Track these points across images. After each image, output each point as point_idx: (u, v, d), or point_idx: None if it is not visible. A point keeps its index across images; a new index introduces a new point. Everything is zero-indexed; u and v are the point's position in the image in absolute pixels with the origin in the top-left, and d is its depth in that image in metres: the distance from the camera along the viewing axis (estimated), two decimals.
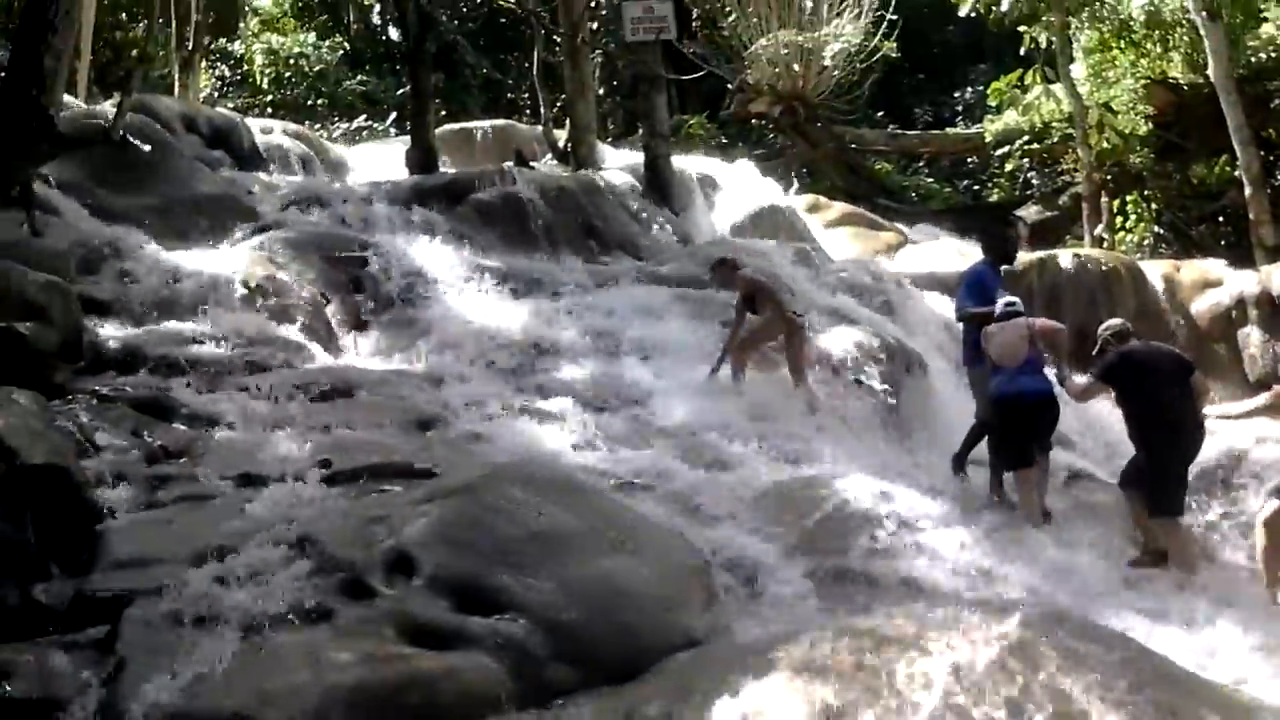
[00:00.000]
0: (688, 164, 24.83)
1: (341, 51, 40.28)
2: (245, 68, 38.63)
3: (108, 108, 19.28)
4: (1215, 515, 13.09)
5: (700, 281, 15.85)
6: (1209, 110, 24.22)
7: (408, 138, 23.11)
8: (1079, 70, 27.29)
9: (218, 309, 13.62)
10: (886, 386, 14.38)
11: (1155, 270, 21.54)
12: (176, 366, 11.96)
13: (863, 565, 9.23)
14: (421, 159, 21.53)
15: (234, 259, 14.92)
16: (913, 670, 6.04)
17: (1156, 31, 26.67)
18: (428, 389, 12.62)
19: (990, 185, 32.39)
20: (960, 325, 12.87)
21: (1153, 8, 26.04)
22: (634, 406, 12.87)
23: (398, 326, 14.66)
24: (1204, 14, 23.13)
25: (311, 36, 39.89)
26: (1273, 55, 25.55)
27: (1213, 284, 21.14)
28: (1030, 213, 28.46)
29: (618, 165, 23.43)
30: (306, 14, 43.34)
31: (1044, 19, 27.34)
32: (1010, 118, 29.47)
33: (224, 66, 39.37)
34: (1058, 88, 27.60)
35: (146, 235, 15.31)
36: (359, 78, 39.06)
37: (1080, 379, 11.60)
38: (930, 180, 33.69)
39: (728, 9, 31.11)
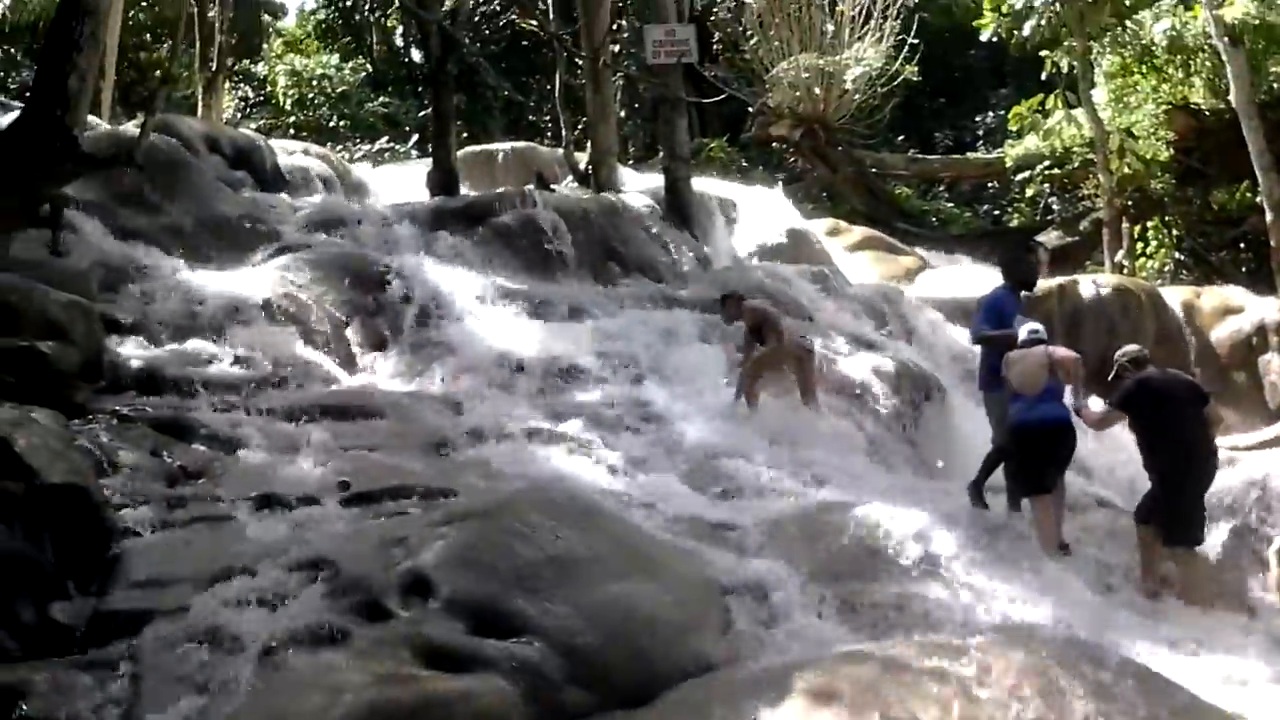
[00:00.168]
0: (708, 187, 24.82)
1: (364, 73, 40.43)
2: (268, 89, 38.78)
3: (131, 128, 19.37)
4: (1234, 545, 13.02)
5: None
6: (1230, 136, 24.12)
7: (429, 159, 23.14)
8: (1100, 95, 27.24)
9: (238, 329, 13.66)
10: (904, 411, 14.36)
11: (1175, 296, 21.48)
12: (197, 387, 11.99)
13: (880, 591, 9.18)
14: (442, 181, 21.55)
15: (255, 280, 14.96)
16: (929, 698, 6.03)
17: (1178, 57, 26.60)
18: (446, 411, 12.64)
19: (1011, 210, 32.37)
20: (977, 349, 12.85)
21: (1175, 33, 25.97)
22: (653, 430, 12.87)
23: (417, 348, 14.67)
24: (1226, 40, 23.07)
25: (334, 58, 40.02)
26: None
27: (1233, 311, 21.07)
28: (1051, 238, 28.43)
29: (638, 188, 23.41)
30: (330, 36, 43.53)
31: (1066, 44, 27.28)
32: (1031, 142, 29.41)
33: (247, 87, 39.54)
34: (1079, 113, 27.54)
35: (168, 255, 15.40)
36: (381, 99, 39.17)
37: (1097, 407, 11.57)
38: (950, 205, 33.68)
39: (749, 33, 31.15)
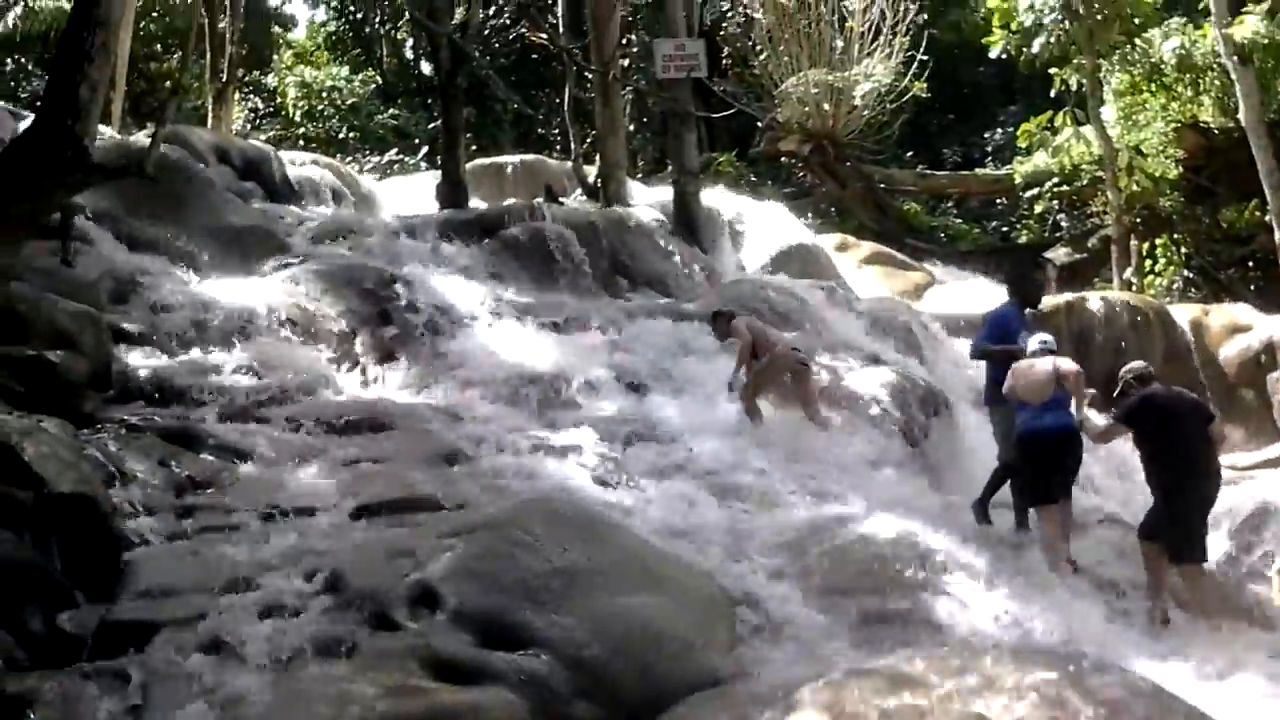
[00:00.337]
0: (716, 201, 24.84)
1: (374, 85, 40.51)
2: (278, 100, 38.86)
3: (141, 138, 19.42)
4: (1246, 565, 12.99)
5: None
6: (1239, 154, 24.16)
7: (438, 171, 23.16)
8: (1109, 113, 27.27)
9: (247, 340, 13.70)
10: (912, 426, 14.35)
11: (1184, 314, 21.49)
12: (205, 397, 12.01)
13: (888, 607, 9.17)
14: (451, 193, 21.57)
15: (264, 290, 14.99)
16: (937, 715, 6.01)
17: (1188, 75, 26.63)
18: (454, 423, 12.63)
19: (1019, 227, 32.38)
20: (983, 365, 12.84)
21: (1184, 51, 26.01)
22: (660, 443, 12.86)
23: (425, 360, 14.67)
24: (1235, 58, 23.10)
25: (344, 70, 40.14)
26: None
27: (1242, 329, 21.07)
28: (1059, 255, 28.46)
29: (647, 202, 23.46)
30: (339, 48, 43.64)
31: (1075, 61, 27.32)
32: (1040, 159, 29.44)
33: (257, 99, 39.62)
34: (1088, 130, 27.60)
35: (177, 266, 15.43)
36: (390, 111, 39.25)
37: (1100, 421, 11.56)
38: (959, 221, 33.72)
39: (759, 48, 31.20)
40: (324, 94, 37.81)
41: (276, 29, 43.47)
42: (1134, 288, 25.04)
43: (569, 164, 27.10)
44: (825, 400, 14.18)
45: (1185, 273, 26.27)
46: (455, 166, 22.00)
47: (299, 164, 25.10)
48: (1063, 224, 30.55)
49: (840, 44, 30.38)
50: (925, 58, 29.93)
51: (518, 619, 7.24)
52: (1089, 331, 19.79)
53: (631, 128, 33.93)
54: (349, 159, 32.52)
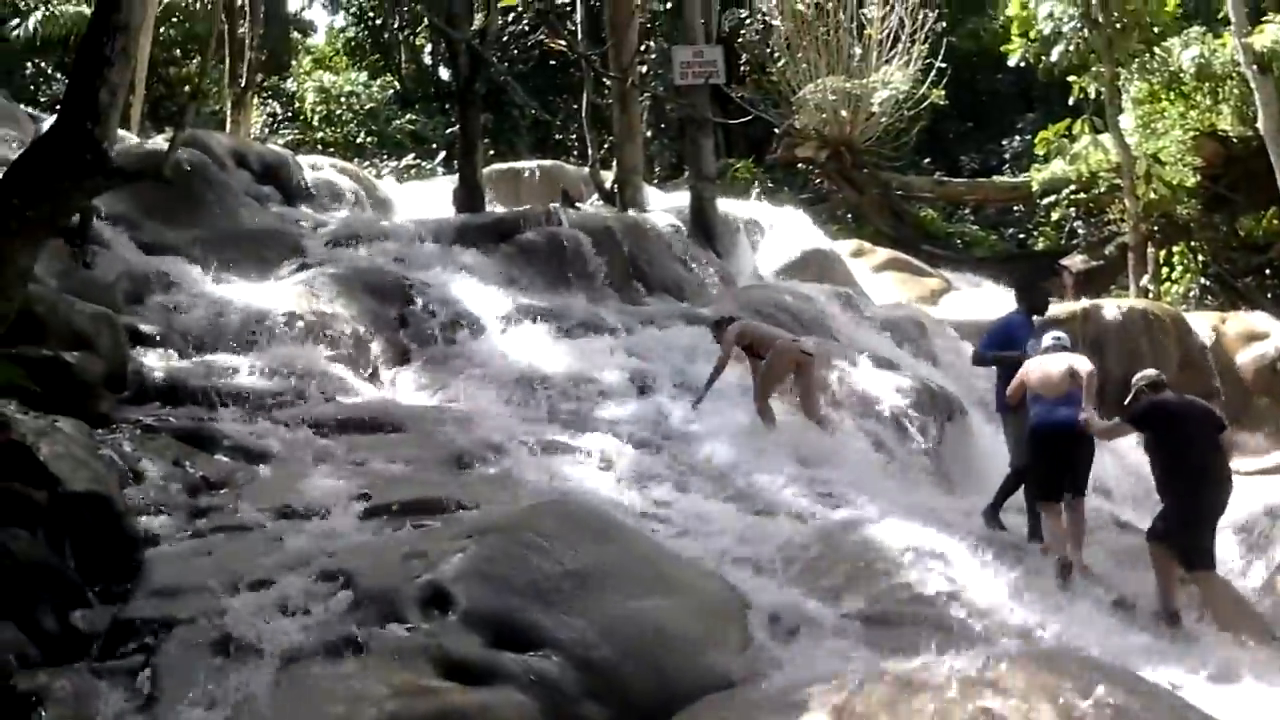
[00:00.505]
0: (733, 207, 24.86)
1: (392, 90, 40.59)
2: (297, 105, 38.93)
3: (160, 142, 19.48)
4: (1260, 572, 12.97)
5: None
6: (1258, 163, 24.12)
7: (455, 176, 23.19)
8: (1127, 121, 27.23)
9: (263, 342, 13.74)
10: (926, 431, 14.35)
11: (1201, 322, 21.46)
12: (220, 398, 12.06)
13: (899, 611, 9.15)
14: (468, 198, 21.60)
15: (280, 293, 15.03)
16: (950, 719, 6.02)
17: (1206, 84, 26.62)
18: (468, 425, 12.65)
19: (1036, 234, 32.37)
20: (994, 371, 12.83)
21: (1203, 60, 26.00)
22: (674, 446, 12.88)
23: (440, 363, 14.70)
24: (1254, 67, 23.08)
25: (363, 75, 40.19)
26: None
27: (1258, 336, 21.04)
28: (1076, 262, 28.40)
29: (663, 207, 23.47)
30: (358, 53, 43.74)
31: (1094, 69, 27.30)
32: (1057, 167, 29.38)
33: (276, 103, 39.69)
34: (1106, 138, 27.55)
35: (194, 268, 15.48)
36: (408, 116, 39.28)
37: (1102, 420, 11.55)
38: (975, 228, 33.70)
39: (777, 54, 31.21)
40: (342, 99, 37.88)
41: (296, 34, 43.61)
42: (1150, 295, 24.99)
43: (586, 169, 27.12)
44: (831, 401, 14.19)
45: (1202, 280, 26.23)
46: (473, 171, 22.03)
47: (317, 168, 25.11)
48: (1080, 231, 30.51)
49: (858, 51, 30.38)
50: (943, 65, 29.89)
51: (529, 620, 7.26)
52: (1105, 338, 19.77)
53: (649, 133, 33.98)
54: (367, 164, 32.57)
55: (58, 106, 11.93)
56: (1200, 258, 26.45)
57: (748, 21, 33.39)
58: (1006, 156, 37.61)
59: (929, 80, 29.99)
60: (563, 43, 31.13)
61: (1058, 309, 20.11)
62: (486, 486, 10.62)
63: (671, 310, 17.45)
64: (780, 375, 13.88)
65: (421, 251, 18.00)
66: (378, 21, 44.30)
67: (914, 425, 14.43)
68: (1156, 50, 27.01)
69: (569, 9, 31.61)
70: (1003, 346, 12.34)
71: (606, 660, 7.12)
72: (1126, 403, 11.30)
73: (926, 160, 36.02)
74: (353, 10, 45.10)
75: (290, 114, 39.32)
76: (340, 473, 10.58)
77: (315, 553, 8.42)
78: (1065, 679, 6.23)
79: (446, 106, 38.98)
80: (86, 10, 25.54)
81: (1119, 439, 12.67)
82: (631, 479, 11.70)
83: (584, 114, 26.81)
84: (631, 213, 21.74)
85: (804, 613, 8.87)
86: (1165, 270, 26.35)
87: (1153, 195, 26.48)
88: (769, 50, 31.72)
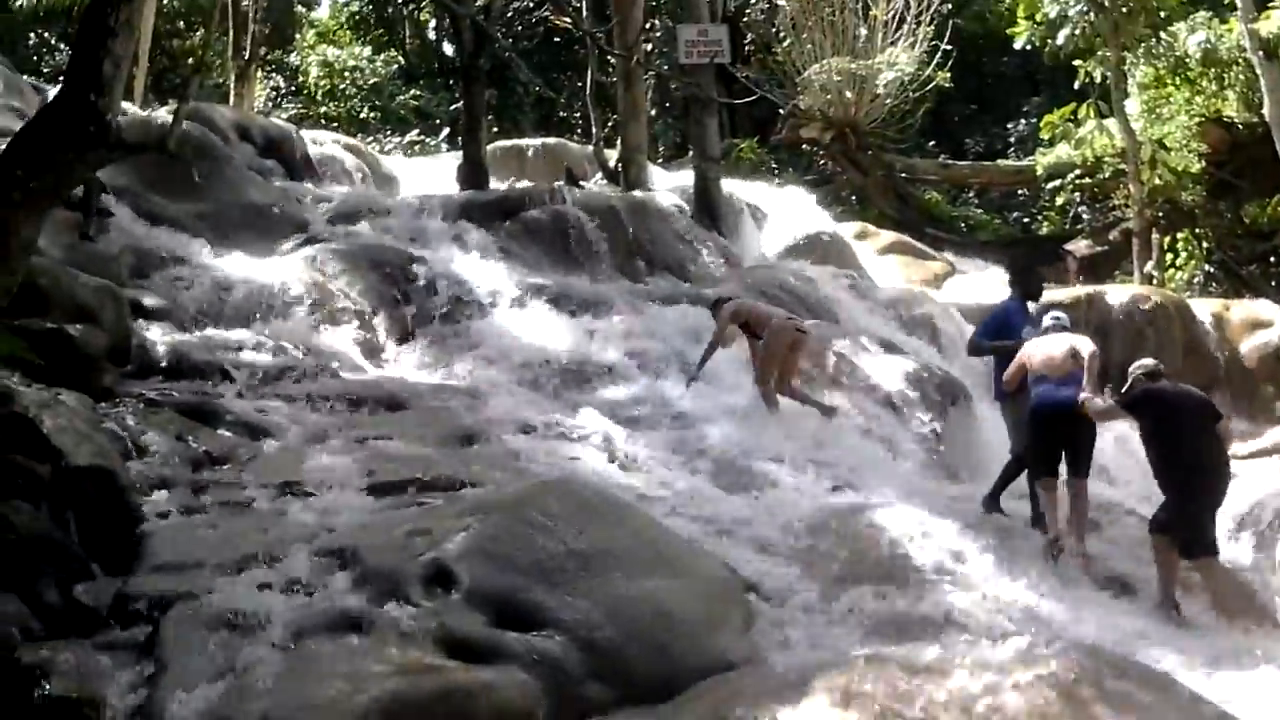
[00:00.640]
0: (737, 188, 24.83)
1: (396, 66, 40.56)
2: (300, 79, 38.92)
3: (163, 114, 19.45)
4: (1257, 556, 12.96)
5: None
6: (1263, 150, 24.02)
7: (459, 153, 23.19)
8: (1133, 106, 27.12)
9: (266, 317, 13.75)
10: (930, 415, 14.33)
11: (1204, 309, 21.41)
12: (223, 373, 12.08)
13: (902, 597, 9.15)
14: (472, 175, 21.60)
15: (283, 268, 15.03)
16: (951, 704, 6.01)
17: (1212, 70, 26.51)
18: (471, 403, 12.65)
19: (1040, 218, 32.29)
20: (991, 359, 12.81)
21: (1209, 45, 25.89)
22: (678, 428, 12.87)
23: (443, 340, 14.71)
24: (1260, 53, 22.98)
25: (367, 50, 40.17)
26: None
27: (1262, 324, 20.99)
28: (1080, 247, 28.35)
29: (667, 187, 23.46)
30: (362, 27, 43.67)
31: (1100, 53, 27.18)
32: (1062, 151, 29.28)
33: (279, 77, 39.68)
34: (1111, 122, 27.44)
35: (198, 242, 15.47)
36: (412, 92, 39.27)
37: (1103, 401, 11.51)
38: (980, 211, 33.63)
39: (782, 34, 31.14)
40: (346, 73, 37.88)
41: (299, 8, 43.48)
42: (1155, 281, 24.90)
43: (590, 148, 27.14)
44: (831, 383, 14.17)
45: (1206, 267, 26.14)
46: (476, 148, 22.04)
47: (320, 143, 25.16)
48: (1084, 216, 30.42)
49: (864, 32, 30.29)
50: (949, 47, 29.83)
51: (532, 599, 7.25)
52: (1108, 325, 19.69)
53: (653, 112, 33.93)
54: (370, 139, 32.59)
55: (61, 78, 11.90)
56: (1205, 244, 26.35)
57: (753, 1, 33.32)
58: (1011, 140, 37.52)
59: (934, 62, 29.92)
60: (568, 20, 31.04)
61: (1062, 294, 20.08)
62: (490, 465, 10.63)
63: (675, 290, 17.41)
64: (778, 354, 13.75)
65: (425, 228, 18.00)
66: None
67: (917, 409, 14.40)
68: (1163, 35, 26.87)
69: None
70: (998, 334, 12.33)
71: (610, 641, 7.12)
72: (1123, 390, 11.29)
73: (931, 143, 35.97)
74: None
75: (294, 88, 39.32)
76: (343, 449, 10.60)
77: (318, 529, 8.44)
78: (1070, 667, 6.22)
79: (451, 82, 39.01)
80: None
81: (1119, 424, 12.59)
82: (636, 459, 11.71)
83: (588, 92, 26.81)
84: (635, 192, 21.71)
85: (806, 596, 8.88)
86: (1170, 257, 26.26)
87: (1157, 181, 26.38)
88: (774, 30, 31.66)
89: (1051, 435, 11.23)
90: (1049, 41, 28.03)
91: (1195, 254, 26.27)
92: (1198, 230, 26.42)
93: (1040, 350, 11.41)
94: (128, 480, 8.79)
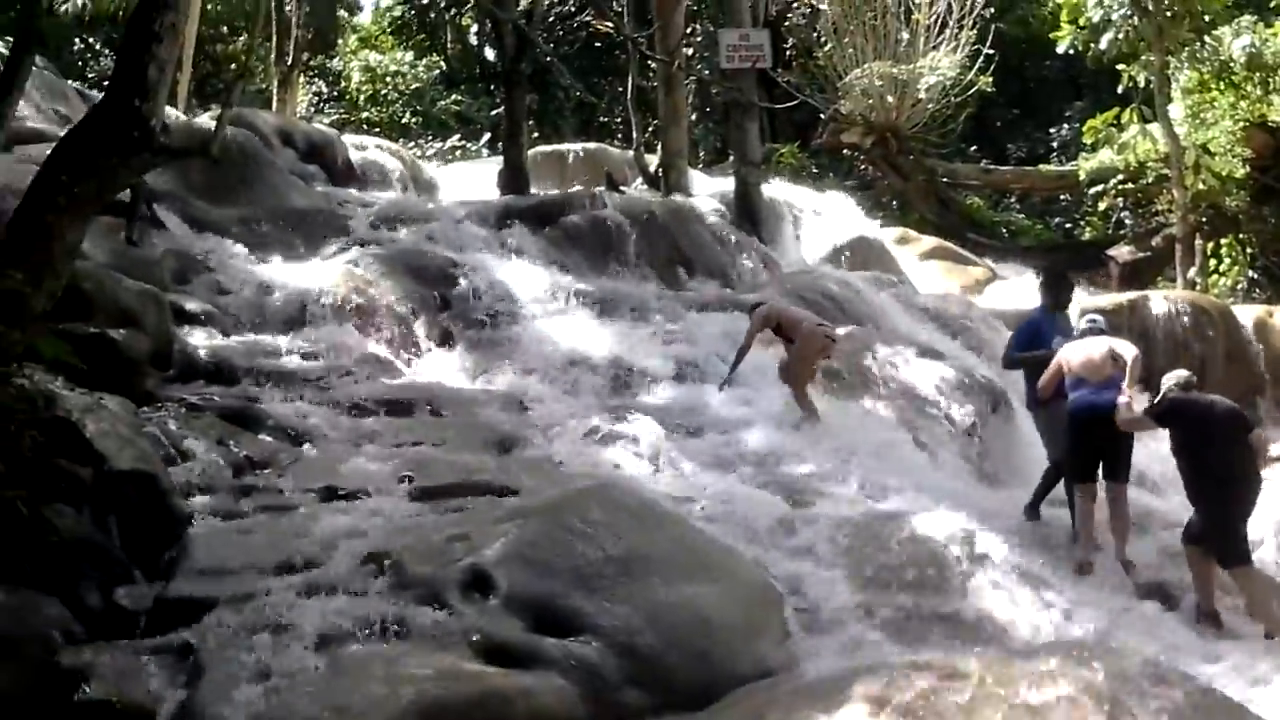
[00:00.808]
0: (778, 192, 24.80)
1: (438, 71, 40.60)
2: (342, 84, 39.04)
3: (207, 120, 19.56)
4: None
5: None
6: None
7: (500, 158, 23.22)
8: (1177, 111, 26.98)
9: (307, 322, 13.80)
10: (970, 422, 14.28)
11: (1248, 314, 21.28)
12: (265, 378, 12.11)
13: (941, 603, 9.13)
14: (513, 179, 21.63)
15: (325, 273, 15.07)
16: (988, 713, 5.98)
17: (1257, 74, 26.34)
18: (511, 409, 12.68)
19: (1083, 223, 32.14)
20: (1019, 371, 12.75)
21: (1254, 50, 25.73)
22: (717, 433, 12.85)
23: (484, 345, 14.73)
24: None
25: (409, 55, 40.24)
26: None
27: None
28: (1123, 253, 28.18)
29: (708, 192, 23.44)
30: (404, 33, 43.75)
31: (1143, 58, 27.04)
32: (1105, 156, 29.15)
33: (321, 82, 39.82)
34: (1155, 127, 27.32)
35: (240, 247, 15.54)
36: (454, 97, 39.33)
37: (1139, 408, 11.42)
38: (1022, 216, 33.49)
39: (823, 39, 31.08)
40: (388, 79, 37.96)
41: (342, 13, 43.61)
42: (1198, 287, 24.78)
43: (630, 153, 27.10)
44: (868, 387, 14.17)
45: (1250, 273, 25.97)
46: (517, 153, 22.06)
47: (362, 148, 25.23)
48: (1127, 221, 30.23)
49: (905, 36, 30.18)
50: (991, 52, 29.65)
51: (570, 605, 7.26)
52: (1151, 330, 19.63)
53: (694, 117, 33.93)
54: (412, 144, 32.65)
55: (106, 83, 11.99)
56: (1248, 250, 26.19)
57: (794, 5, 33.29)
58: (1054, 145, 37.37)
59: (976, 67, 29.77)
60: (609, 24, 31.17)
61: (1104, 300, 19.99)
62: (529, 470, 10.64)
63: (714, 296, 17.39)
64: (810, 360, 13.70)
65: (466, 233, 18.01)
66: (424, 1, 44.29)
67: (958, 415, 14.35)
68: (1207, 39, 26.72)
69: None
70: (1030, 344, 12.24)
71: (649, 647, 7.12)
72: (1155, 401, 11.21)
73: (973, 148, 35.79)
74: None
75: (336, 93, 39.45)
76: (383, 454, 10.62)
77: (358, 534, 8.45)
78: (1110, 675, 6.18)
79: (492, 87, 39.05)
80: None
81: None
82: (675, 465, 11.71)
83: (629, 97, 26.80)
84: (676, 197, 21.72)
85: (844, 602, 8.87)
86: (1213, 262, 26.12)
87: (1201, 186, 26.22)
88: (816, 35, 31.62)
89: (1089, 441, 11.17)
90: (1092, 46, 27.90)
91: (1239, 260, 26.10)
92: (1241, 236, 26.26)
93: (1079, 353, 11.33)
94: (169, 484, 8.82)
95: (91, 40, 35.34)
